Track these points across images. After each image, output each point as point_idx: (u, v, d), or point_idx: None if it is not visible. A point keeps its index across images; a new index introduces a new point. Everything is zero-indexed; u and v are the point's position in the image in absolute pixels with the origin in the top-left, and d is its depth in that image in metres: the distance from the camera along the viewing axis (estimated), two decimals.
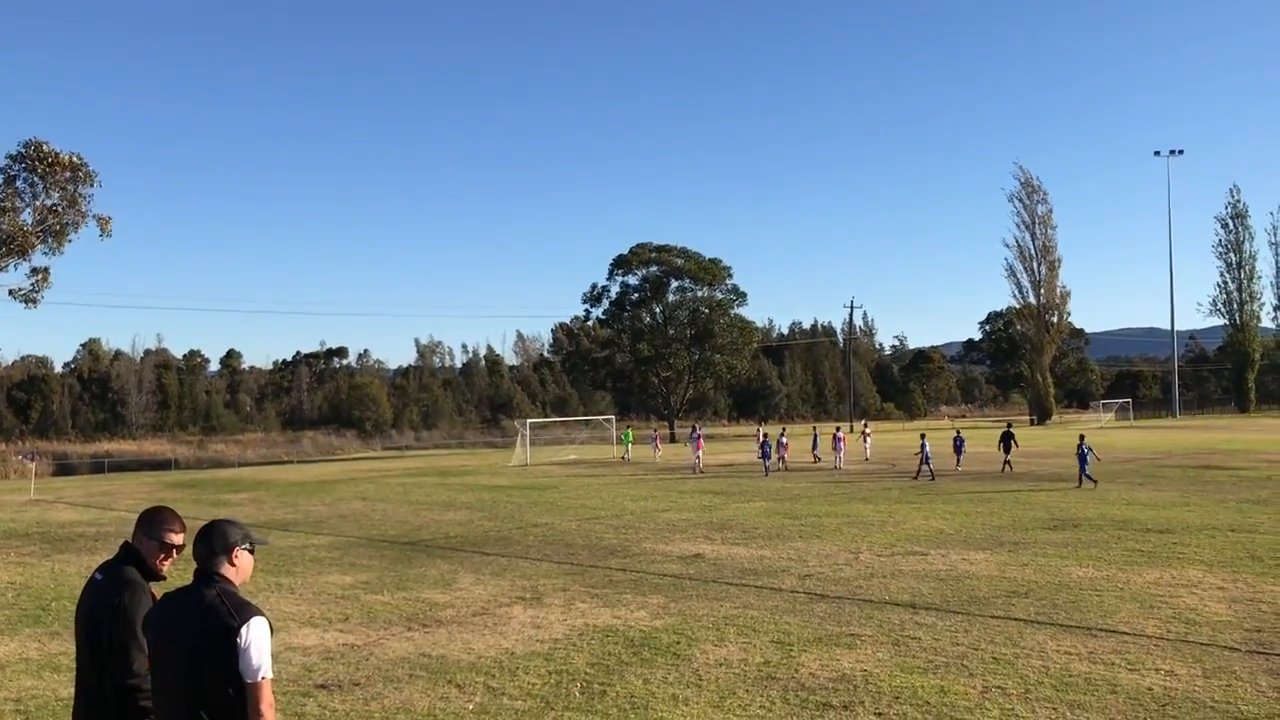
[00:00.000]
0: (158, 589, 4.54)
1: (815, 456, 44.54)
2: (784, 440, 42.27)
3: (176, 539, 4.62)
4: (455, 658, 10.46)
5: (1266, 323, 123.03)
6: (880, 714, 8.28)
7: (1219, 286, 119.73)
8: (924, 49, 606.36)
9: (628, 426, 57.80)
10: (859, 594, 13.39)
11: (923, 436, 35.40)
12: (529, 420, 57.84)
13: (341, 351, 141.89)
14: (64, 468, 70.91)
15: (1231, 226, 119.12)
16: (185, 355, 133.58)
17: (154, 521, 4.62)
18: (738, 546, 18.36)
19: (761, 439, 40.87)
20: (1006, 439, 36.28)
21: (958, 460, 37.55)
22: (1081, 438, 30.14)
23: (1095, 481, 28.65)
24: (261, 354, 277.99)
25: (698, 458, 42.05)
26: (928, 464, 33.53)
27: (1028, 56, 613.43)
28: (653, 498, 29.07)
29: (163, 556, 4.58)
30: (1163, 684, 8.87)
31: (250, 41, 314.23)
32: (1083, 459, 28.95)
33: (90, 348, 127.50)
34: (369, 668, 10.16)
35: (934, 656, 9.98)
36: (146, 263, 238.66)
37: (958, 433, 40.56)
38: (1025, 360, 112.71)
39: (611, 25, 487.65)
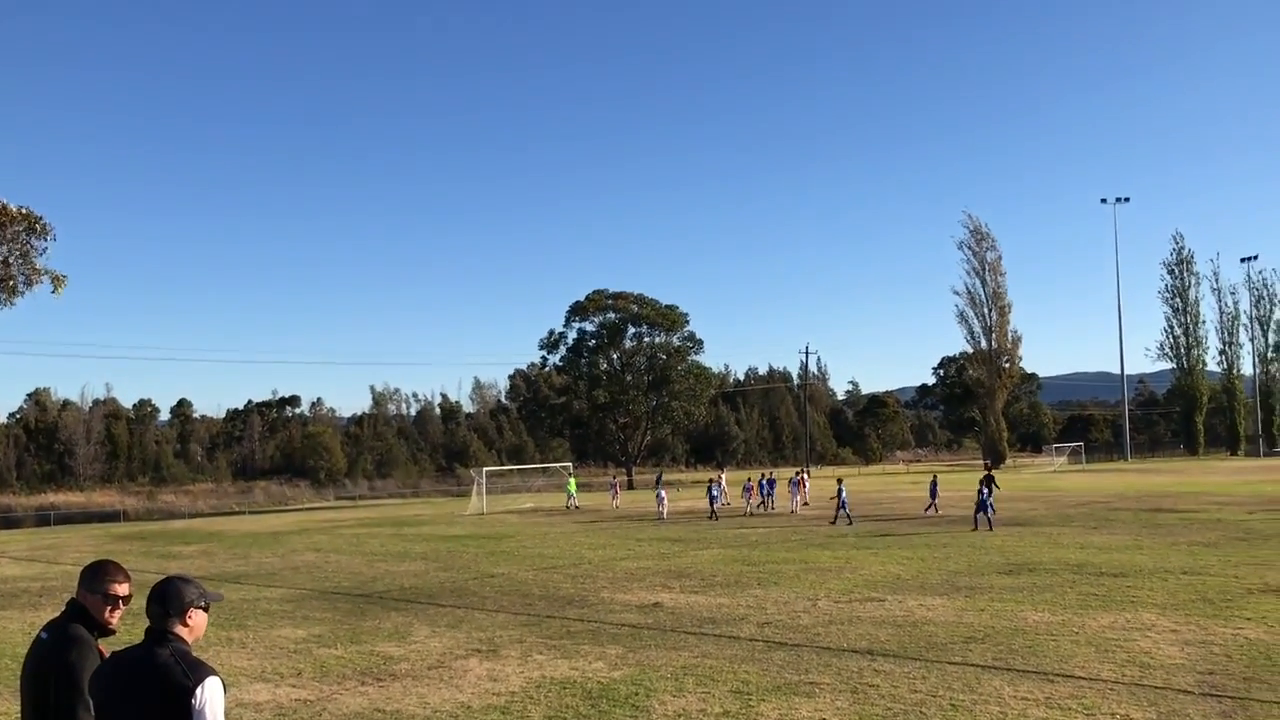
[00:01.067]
0: (109, 644, 4.46)
1: (764, 503, 44.63)
2: (773, 480, 43.37)
3: (121, 590, 4.52)
4: (410, 712, 10.30)
5: (1213, 366, 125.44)
6: None
7: (1165, 331, 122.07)
8: (872, 97, 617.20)
9: (570, 476, 57.27)
10: (817, 641, 13.37)
11: (839, 481, 36.53)
12: (485, 468, 57.45)
13: (294, 400, 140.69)
14: (8, 520, 69.34)
15: (1176, 272, 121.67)
16: (135, 405, 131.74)
17: (97, 574, 4.53)
18: (696, 595, 18.29)
19: (711, 484, 41.30)
20: (988, 481, 36.94)
21: (932, 504, 37.39)
22: (981, 481, 31.96)
23: (992, 526, 29.98)
24: (213, 403, 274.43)
25: (662, 508, 41.94)
26: (844, 509, 34.38)
27: (976, 104, 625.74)
28: (610, 546, 28.92)
29: (109, 609, 4.48)
30: None
31: (192, 83, 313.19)
32: (983, 501, 30.59)
33: (37, 398, 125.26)
34: None
35: (892, 704, 9.97)
36: (95, 311, 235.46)
37: (934, 477, 40.73)
38: (978, 405, 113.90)
39: (563, 72, 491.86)
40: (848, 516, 34.09)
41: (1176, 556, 21.83)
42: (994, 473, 37.89)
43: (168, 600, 4.06)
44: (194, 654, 3.99)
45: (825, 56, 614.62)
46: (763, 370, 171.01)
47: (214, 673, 3.90)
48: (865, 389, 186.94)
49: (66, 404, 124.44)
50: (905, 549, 25.20)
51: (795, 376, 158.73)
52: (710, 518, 38.40)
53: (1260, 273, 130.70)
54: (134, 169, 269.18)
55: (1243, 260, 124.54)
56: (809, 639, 13.56)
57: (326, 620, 16.66)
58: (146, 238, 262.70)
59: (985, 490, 30.91)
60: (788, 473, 54.84)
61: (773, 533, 31.61)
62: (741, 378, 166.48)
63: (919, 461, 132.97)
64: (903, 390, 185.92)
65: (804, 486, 44.17)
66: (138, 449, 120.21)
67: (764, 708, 9.96)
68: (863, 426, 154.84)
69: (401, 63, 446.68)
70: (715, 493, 39.74)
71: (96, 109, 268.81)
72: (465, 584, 21.06)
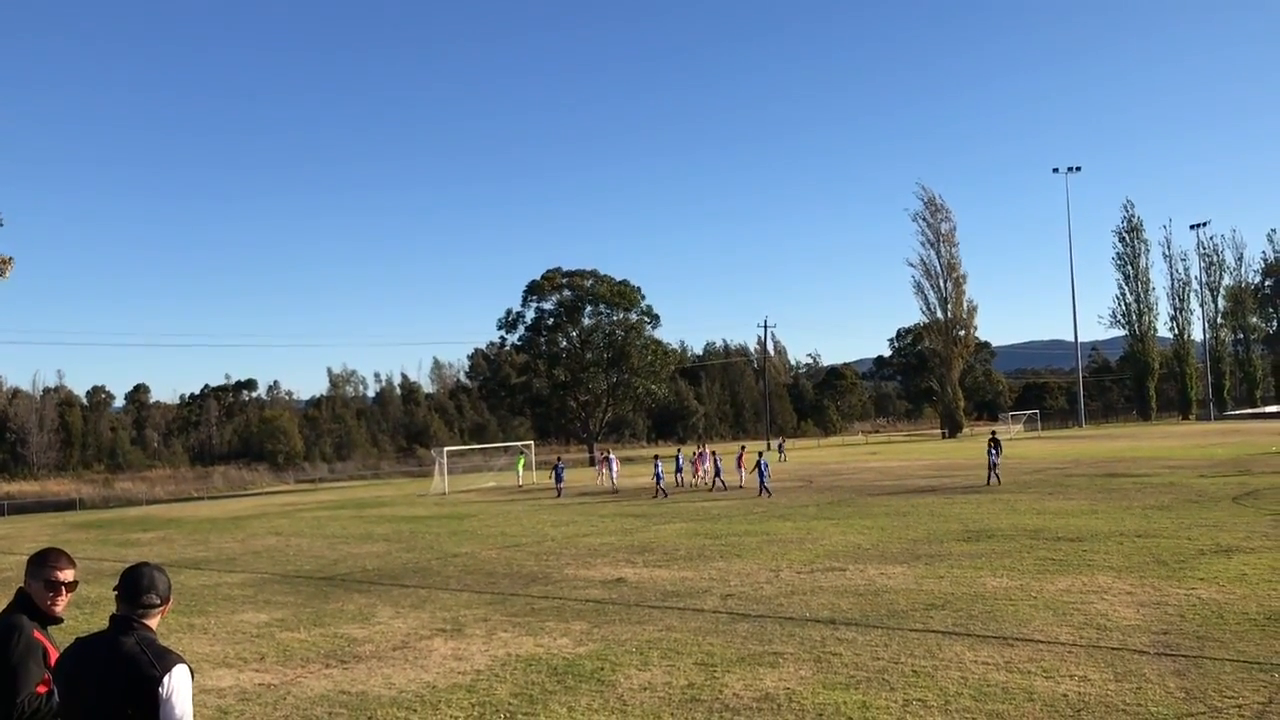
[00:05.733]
0: (63, 631, 4.44)
1: (722, 483, 44.56)
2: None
3: (64, 576, 4.47)
4: (376, 694, 10.27)
5: (1164, 332, 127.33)
6: None
7: (1117, 299, 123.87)
8: (827, 71, 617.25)
9: (517, 456, 57.93)
10: (780, 612, 13.47)
11: (655, 459, 39.68)
12: (446, 448, 57.15)
13: (251, 384, 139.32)
14: None
15: (1127, 240, 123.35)
16: (89, 391, 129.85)
17: (40, 562, 4.51)
18: (659, 569, 18.35)
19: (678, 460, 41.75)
20: (995, 446, 38.03)
21: (761, 486, 34.52)
22: (760, 454, 35.65)
23: (770, 493, 33.47)
24: (168, 388, 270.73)
25: (613, 479, 43.65)
26: (659, 483, 37.56)
27: (931, 75, 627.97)
28: (573, 523, 28.95)
29: (52, 595, 4.44)
30: (1077, 690, 9.07)
31: (139, 61, 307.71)
32: (761, 473, 34.01)
33: None
34: (287, 707, 9.93)
35: (855, 672, 10.07)
36: (45, 296, 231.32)
37: (759, 454, 37.08)
38: (935, 375, 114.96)
39: (519, 52, 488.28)
40: (664, 491, 36.99)
41: (1131, 520, 22.18)
42: (999, 437, 38.72)
43: (145, 588, 4.00)
44: (160, 641, 3.93)
45: (780, 31, 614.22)
46: (721, 345, 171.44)
47: (182, 660, 3.84)
48: (824, 361, 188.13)
49: (17, 392, 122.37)
50: (866, 519, 25.42)
51: (753, 350, 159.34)
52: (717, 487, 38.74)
53: (1211, 239, 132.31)
54: (82, 150, 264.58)
55: (1193, 227, 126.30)
56: (772, 610, 13.66)
57: (289, 604, 16.56)
58: (95, 220, 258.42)
59: (993, 451, 34.74)
60: (734, 447, 55.22)
61: (734, 506, 31.76)
62: (701, 353, 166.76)
63: (877, 432, 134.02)
64: (860, 362, 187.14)
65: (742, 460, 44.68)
66: (92, 436, 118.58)
67: (729, 679, 10.03)
68: (822, 399, 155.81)
69: (354, 40, 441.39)
70: (718, 465, 38.89)
71: (43, 88, 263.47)
72: (428, 564, 21.01)
